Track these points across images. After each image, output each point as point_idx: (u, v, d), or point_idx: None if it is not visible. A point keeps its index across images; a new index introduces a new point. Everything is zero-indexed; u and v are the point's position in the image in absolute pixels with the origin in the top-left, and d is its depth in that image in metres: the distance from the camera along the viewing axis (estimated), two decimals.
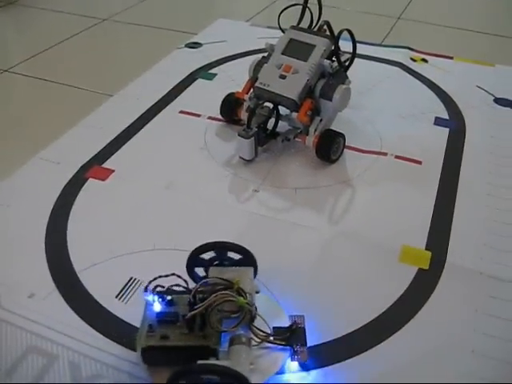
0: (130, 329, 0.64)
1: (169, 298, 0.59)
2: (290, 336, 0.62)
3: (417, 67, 1.28)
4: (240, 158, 0.94)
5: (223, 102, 1.02)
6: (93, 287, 0.71)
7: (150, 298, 0.59)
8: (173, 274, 0.59)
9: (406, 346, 0.65)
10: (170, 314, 0.58)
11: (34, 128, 1.05)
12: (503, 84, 1.22)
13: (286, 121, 0.96)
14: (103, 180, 0.91)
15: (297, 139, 0.96)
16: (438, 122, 1.08)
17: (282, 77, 0.91)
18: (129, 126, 1.04)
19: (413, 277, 0.74)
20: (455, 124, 1.07)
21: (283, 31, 0.96)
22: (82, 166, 0.93)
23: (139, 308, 0.61)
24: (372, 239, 0.80)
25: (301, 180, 0.91)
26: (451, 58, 1.34)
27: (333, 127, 0.97)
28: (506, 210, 0.86)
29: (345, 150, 0.97)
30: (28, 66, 1.28)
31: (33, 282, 0.72)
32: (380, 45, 1.39)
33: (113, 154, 0.97)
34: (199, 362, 0.53)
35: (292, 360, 0.61)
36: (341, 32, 0.91)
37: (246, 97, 0.96)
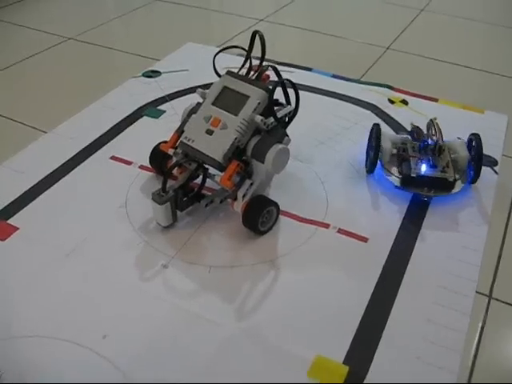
0: None
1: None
2: None
3: (393, 111, 1.13)
4: (157, 223, 0.82)
5: (152, 153, 0.90)
6: None
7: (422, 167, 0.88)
8: None
9: None
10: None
11: None
12: (490, 137, 1.05)
13: (215, 180, 0.83)
14: (3, 240, 0.80)
15: (228, 199, 0.83)
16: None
17: (209, 132, 0.80)
18: (51, 173, 0.94)
19: None
20: None
21: (219, 75, 0.84)
22: None
23: None
24: (281, 344, 0.66)
25: (219, 255, 0.78)
26: (436, 100, 1.19)
27: (273, 187, 0.84)
28: None
29: (283, 216, 0.84)
30: None
31: None
32: (358, 81, 1.25)
33: (23, 208, 0.86)
34: None
35: None
36: (277, 84, 0.79)
37: (171, 151, 0.84)
